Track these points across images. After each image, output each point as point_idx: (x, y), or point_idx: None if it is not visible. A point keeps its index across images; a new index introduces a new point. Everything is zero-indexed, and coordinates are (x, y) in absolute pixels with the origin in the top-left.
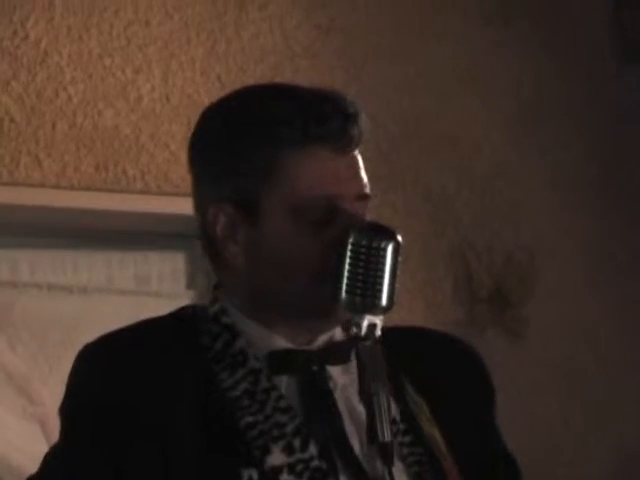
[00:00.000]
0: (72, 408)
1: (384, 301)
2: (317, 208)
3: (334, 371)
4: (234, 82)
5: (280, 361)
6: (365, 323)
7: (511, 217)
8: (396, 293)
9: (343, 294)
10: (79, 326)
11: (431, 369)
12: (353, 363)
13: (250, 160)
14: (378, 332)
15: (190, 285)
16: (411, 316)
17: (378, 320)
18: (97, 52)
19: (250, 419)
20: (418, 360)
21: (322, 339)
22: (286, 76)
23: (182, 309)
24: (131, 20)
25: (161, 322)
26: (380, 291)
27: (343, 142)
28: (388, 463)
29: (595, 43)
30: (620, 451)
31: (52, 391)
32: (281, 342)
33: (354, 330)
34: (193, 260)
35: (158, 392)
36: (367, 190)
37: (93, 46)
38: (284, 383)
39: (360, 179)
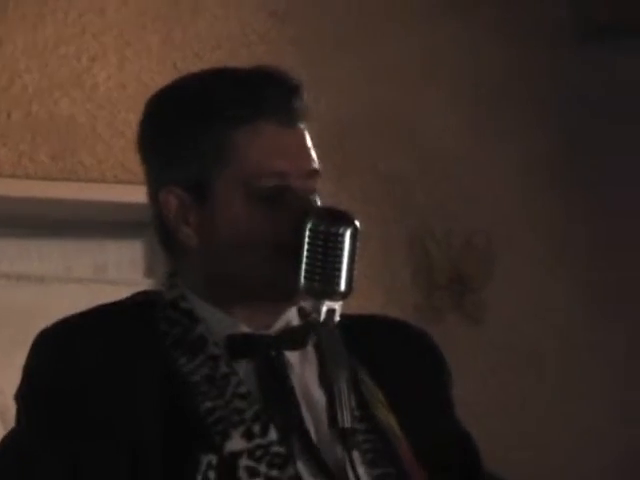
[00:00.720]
0: (28, 393)
1: (343, 287)
2: (267, 185)
3: (291, 357)
4: (190, 69)
5: (239, 346)
6: (324, 309)
7: (470, 202)
8: (354, 279)
9: (302, 280)
10: (37, 315)
11: (385, 355)
12: (310, 349)
13: (198, 143)
14: (337, 318)
15: (148, 273)
16: (370, 302)
17: (337, 306)
18: (52, 41)
19: (209, 404)
20: (371, 347)
21: (280, 324)
22: (242, 63)
23: (138, 294)
24: (86, 8)
25: (118, 307)
26: (339, 277)
27: (287, 114)
28: (349, 448)
29: (553, 25)
30: (581, 432)
31: (10, 380)
32: (240, 326)
33: (313, 316)
34: (151, 248)
35: (115, 378)
36: (316, 165)
37: (48, 35)
38: (243, 368)
39: (308, 154)
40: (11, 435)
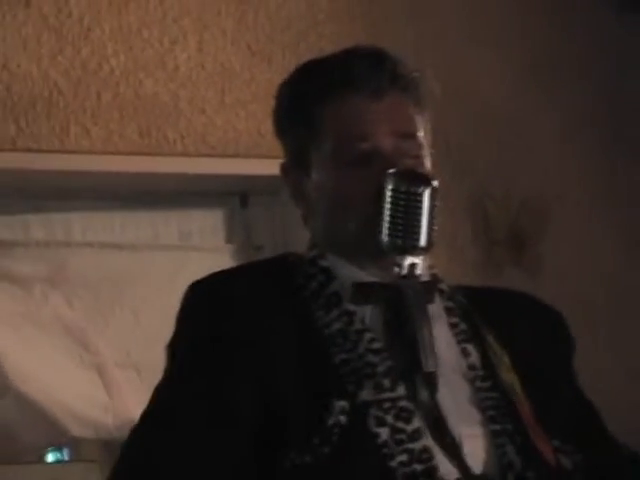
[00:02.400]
0: (181, 342)
1: (423, 242)
2: (354, 147)
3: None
4: (262, 50)
5: (363, 291)
6: (406, 263)
7: (524, 165)
8: (434, 235)
9: (385, 237)
10: (129, 280)
11: (512, 323)
12: (435, 307)
13: (295, 120)
14: (418, 271)
15: (229, 239)
16: (435, 259)
17: (418, 260)
18: (136, 26)
19: (344, 356)
20: (500, 314)
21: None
22: (311, 42)
23: (281, 255)
24: None
25: (261, 264)
26: (419, 233)
27: (372, 86)
28: (432, 390)
29: None
30: (629, 371)
31: (107, 341)
32: (366, 277)
33: (396, 270)
34: (231, 216)
35: (259, 326)
36: (411, 130)
37: (132, 20)
38: (368, 314)
39: (400, 120)
40: (163, 382)
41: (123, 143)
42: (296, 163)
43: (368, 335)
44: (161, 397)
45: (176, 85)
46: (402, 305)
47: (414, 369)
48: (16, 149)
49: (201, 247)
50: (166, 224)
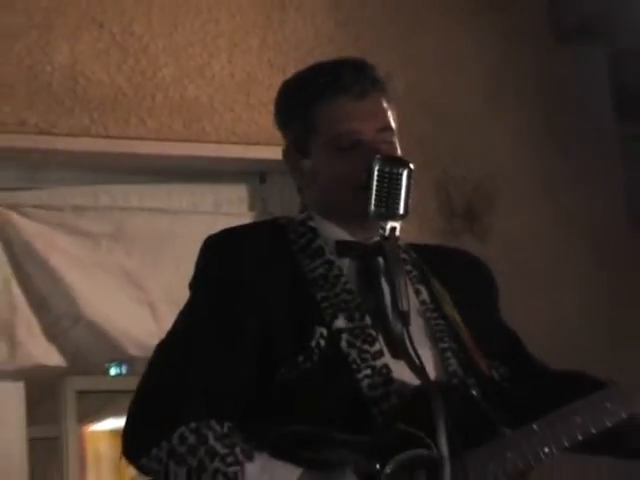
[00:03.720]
0: (199, 281)
1: (401, 211)
2: (344, 139)
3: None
4: (280, 63)
5: (345, 247)
6: (388, 226)
7: (479, 155)
8: (410, 205)
9: (372, 207)
10: (173, 237)
11: (451, 270)
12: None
13: (296, 117)
14: (397, 232)
15: (251, 208)
16: (409, 227)
17: (397, 224)
18: (182, 43)
19: (324, 294)
20: (441, 264)
21: (373, 239)
22: (316, 57)
23: (274, 218)
24: (206, 19)
25: (260, 224)
26: (398, 204)
27: (357, 89)
28: (406, 324)
29: (536, 30)
30: (557, 322)
31: (155, 283)
32: (346, 237)
33: (380, 232)
34: (253, 190)
35: (258, 270)
36: (387, 123)
37: (180, 39)
38: (346, 264)
39: (380, 116)
40: (182, 314)
41: (171, 133)
42: (295, 149)
43: (343, 279)
44: (182, 319)
45: (212, 89)
46: (373, 260)
47: (393, 307)
48: (90, 135)
49: (229, 213)
50: (202, 195)
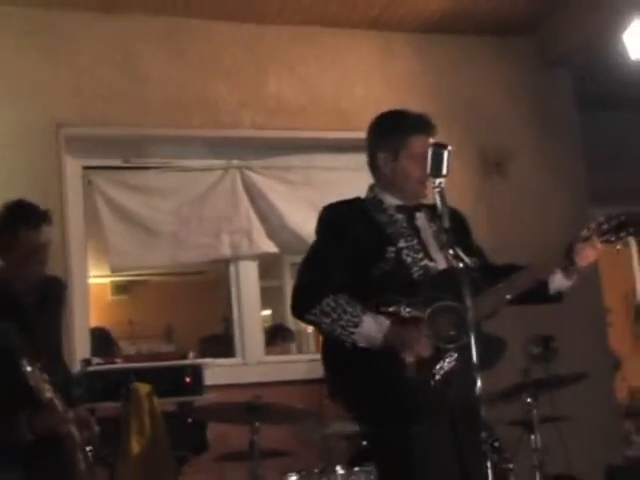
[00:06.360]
0: (321, 228)
1: (444, 171)
2: (420, 156)
3: (420, 215)
4: (385, 102)
5: (401, 208)
6: (437, 181)
7: (492, 131)
8: (449, 169)
9: (429, 171)
10: (338, 185)
11: (450, 216)
12: (423, 213)
13: (392, 138)
14: (443, 185)
15: None
16: (465, 170)
17: (443, 180)
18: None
19: (390, 230)
20: (450, 215)
21: (413, 204)
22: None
23: (358, 196)
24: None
25: (351, 200)
26: (442, 168)
27: (429, 131)
28: (449, 235)
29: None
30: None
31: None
32: (400, 203)
33: (435, 189)
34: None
35: (350, 219)
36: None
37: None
38: (400, 216)
39: (435, 139)
40: (312, 248)
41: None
42: (388, 154)
43: (400, 223)
44: (313, 248)
45: (345, 117)
46: (414, 213)
47: (440, 226)
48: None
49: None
50: (356, 163)
